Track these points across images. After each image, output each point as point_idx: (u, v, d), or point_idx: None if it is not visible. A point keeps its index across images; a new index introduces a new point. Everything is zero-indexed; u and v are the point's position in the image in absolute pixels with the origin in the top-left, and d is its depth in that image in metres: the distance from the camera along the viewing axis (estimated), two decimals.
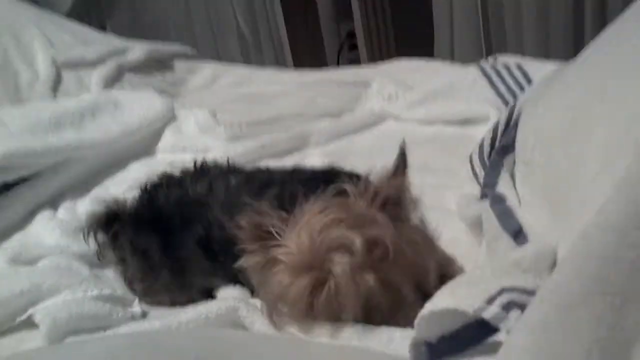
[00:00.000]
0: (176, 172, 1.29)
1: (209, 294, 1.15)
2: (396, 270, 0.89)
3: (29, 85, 2.06)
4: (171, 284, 1.20)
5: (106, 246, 1.28)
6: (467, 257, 1.17)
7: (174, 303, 1.19)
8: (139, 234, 1.22)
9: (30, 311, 1.10)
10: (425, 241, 1.00)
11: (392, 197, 0.97)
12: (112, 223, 1.26)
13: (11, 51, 2.15)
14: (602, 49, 1.06)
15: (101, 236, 1.28)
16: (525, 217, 1.04)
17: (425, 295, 0.87)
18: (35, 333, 1.07)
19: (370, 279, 0.87)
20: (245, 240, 0.94)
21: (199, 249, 1.13)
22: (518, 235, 1.01)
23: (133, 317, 1.11)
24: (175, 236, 1.17)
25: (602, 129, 0.83)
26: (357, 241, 0.87)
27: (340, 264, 0.87)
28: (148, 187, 1.28)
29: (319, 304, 0.88)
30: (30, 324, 1.10)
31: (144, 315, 1.14)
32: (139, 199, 1.27)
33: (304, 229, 0.90)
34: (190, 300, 1.14)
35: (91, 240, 1.28)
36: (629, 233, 0.57)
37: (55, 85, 2.10)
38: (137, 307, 1.13)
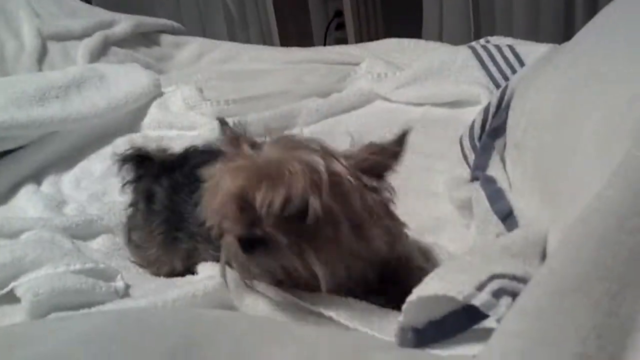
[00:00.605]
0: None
1: (188, 268, 1.18)
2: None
3: (15, 56, 2.04)
4: (163, 237, 1.21)
5: (128, 185, 1.30)
6: (455, 240, 1.17)
7: (158, 266, 1.23)
8: (156, 182, 1.24)
9: (12, 284, 1.08)
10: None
11: (377, 166, 0.99)
12: (142, 165, 1.29)
13: None
14: (595, 32, 1.06)
15: (129, 173, 1.30)
16: (516, 200, 1.04)
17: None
18: (17, 307, 1.06)
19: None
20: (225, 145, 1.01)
21: (194, 212, 1.13)
22: (507, 218, 1.02)
23: (116, 292, 1.10)
24: (183, 195, 1.19)
25: (597, 112, 0.83)
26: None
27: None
28: (191, 147, 1.30)
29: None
30: (11, 297, 1.08)
31: (127, 289, 1.13)
32: (177, 154, 1.30)
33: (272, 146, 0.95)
34: (172, 269, 1.20)
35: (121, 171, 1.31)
36: (628, 219, 0.57)
37: (41, 57, 2.08)
38: (120, 281, 1.12)
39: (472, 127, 1.34)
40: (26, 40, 2.09)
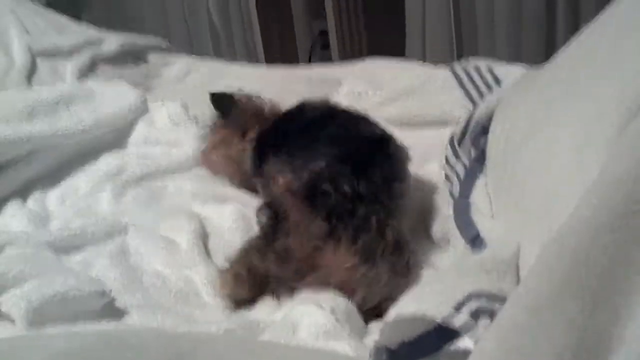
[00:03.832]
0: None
1: None
2: None
3: (4, 72, 2.04)
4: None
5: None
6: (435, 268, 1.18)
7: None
8: None
9: None
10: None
11: None
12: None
13: None
14: (573, 51, 1.07)
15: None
16: (484, 222, 1.05)
17: None
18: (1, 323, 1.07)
19: None
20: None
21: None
22: (475, 241, 1.03)
23: (104, 294, 1.14)
24: None
25: (571, 127, 0.84)
26: None
27: None
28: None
29: None
30: None
31: (112, 302, 1.15)
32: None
33: None
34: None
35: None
36: (601, 235, 0.57)
37: (30, 73, 2.08)
38: (106, 297, 1.14)
39: (451, 142, 1.38)
40: (16, 56, 2.10)
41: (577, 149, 0.80)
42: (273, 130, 1.47)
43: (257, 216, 1.25)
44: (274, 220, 1.17)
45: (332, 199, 1.14)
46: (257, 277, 1.14)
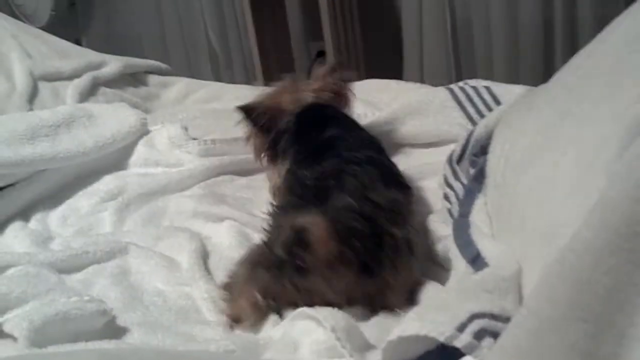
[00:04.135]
0: None
1: None
2: None
3: (6, 96, 2.06)
4: None
5: None
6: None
7: None
8: None
9: None
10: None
11: None
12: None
13: None
14: (571, 73, 1.08)
15: None
16: (484, 242, 1.05)
17: None
18: (3, 342, 1.08)
19: None
20: None
21: None
22: (476, 260, 1.02)
23: (105, 312, 1.14)
24: None
25: (572, 151, 0.84)
26: None
27: None
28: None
29: None
30: None
31: (113, 322, 1.16)
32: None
33: None
34: None
35: None
36: (604, 258, 0.56)
37: (32, 97, 2.10)
38: (107, 317, 1.15)
39: (450, 161, 1.39)
40: (17, 80, 2.12)
41: (578, 172, 0.80)
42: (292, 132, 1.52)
43: (270, 233, 1.18)
44: (296, 248, 1.08)
45: (365, 242, 1.08)
46: (269, 299, 1.14)
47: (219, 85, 2.50)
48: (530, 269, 0.88)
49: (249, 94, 2.32)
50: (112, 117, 1.92)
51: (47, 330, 1.07)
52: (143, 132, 1.94)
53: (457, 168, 1.38)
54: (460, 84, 1.82)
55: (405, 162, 1.66)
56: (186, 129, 1.94)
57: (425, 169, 1.60)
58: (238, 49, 3.44)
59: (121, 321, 1.17)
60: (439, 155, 1.58)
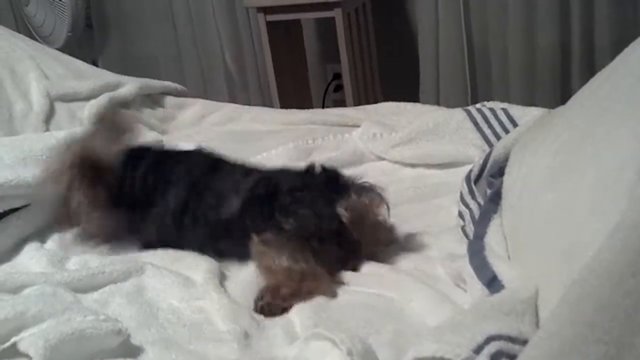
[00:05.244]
0: None
1: None
2: None
3: (23, 116, 2.08)
4: None
5: None
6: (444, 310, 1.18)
7: None
8: None
9: (13, 339, 1.10)
10: None
11: None
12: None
13: (6, 82, 2.17)
14: (589, 95, 1.07)
15: None
16: (500, 264, 1.05)
17: None
18: None
19: None
20: None
21: None
22: (492, 282, 1.03)
23: (120, 332, 1.15)
24: None
25: (591, 173, 0.84)
26: None
27: None
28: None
29: None
30: (13, 352, 1.10)
31: (128, 341, 1.17)
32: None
33: None
34: None
35: None
36: (625, 280, 0.56)
37: (48, 117, 2.12)
38: (122, 336, 1.15)
39: (468, 180, 1.38)
40: (34, 100, 2.14)
41: (597, 194, 0.80)
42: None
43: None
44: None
45: None
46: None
47: (235, 107, 2.51)
48: (548, 291, 0.88)
49: (265, 115, 2.35)
50: None
51: (62, 348, 1.07)
52: None
53: (475, 187, 1.38)
54: (478, 105, 1.83)
55: (420, 182, 1.69)
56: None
57: (440, 188, 1.60)
58: (254, 71, 3.45)
59: (136, 340, 1.18)
60: (454, 176, 1.59)
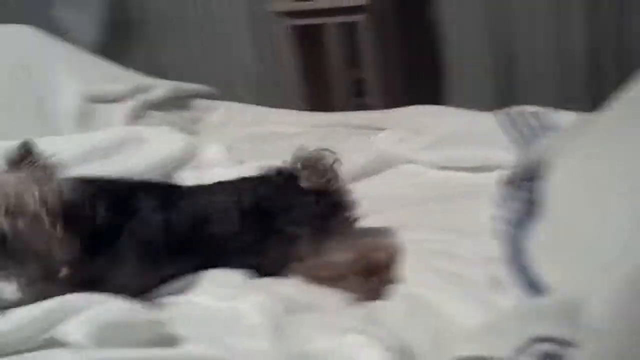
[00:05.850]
0: None
1: None
2: None
3: (58, 118, 2.13)
4: None
5: None
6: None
7: None
8: None
9: (58, 327, 1.13)
10: None
11: None
12: None
13: (42, 85, 2.22)
14: (629, 101, 1.07)
15: None
16: (540, 268, 1.06)
17: None
18: (60, 352, 1.11)
19: None
20: None
21: None
22: (532, 285, 1.04)
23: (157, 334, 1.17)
24: None
25: (637, 179, 0.85)
26: None
27: None
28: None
29: None
30: (53, 343, 1.13)
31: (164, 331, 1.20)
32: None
33: None
34: None
35: None
36: None
37: (83, 119, 2.16)
38: (160, 326, 1.19)
39: (503, 184, 1.41)
40: (70, 103, 2.19)
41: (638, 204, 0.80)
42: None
43: None
44: None
45: None
46: None
47: (261, 109, 2.55)
48: (593, 294, 0.86)
49: (290, 117, 2.37)
50: (161, 140, 1.98)
51: (104, 336, 1.10)
52: (191, 154, 1.98)
53: (508, 191, 1.39)
54: (506, 110, 1.83)
55: (449, 184, 1.70)
56: (231, 150, 2.00)
57: (469, 190, 1.60)
58: (278, 75, 3.48)
59: (172, 330, 1.20)
60: (485, 179, 1.59)
